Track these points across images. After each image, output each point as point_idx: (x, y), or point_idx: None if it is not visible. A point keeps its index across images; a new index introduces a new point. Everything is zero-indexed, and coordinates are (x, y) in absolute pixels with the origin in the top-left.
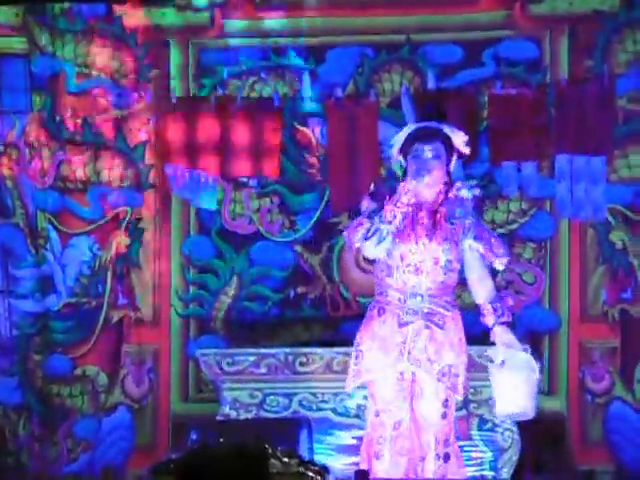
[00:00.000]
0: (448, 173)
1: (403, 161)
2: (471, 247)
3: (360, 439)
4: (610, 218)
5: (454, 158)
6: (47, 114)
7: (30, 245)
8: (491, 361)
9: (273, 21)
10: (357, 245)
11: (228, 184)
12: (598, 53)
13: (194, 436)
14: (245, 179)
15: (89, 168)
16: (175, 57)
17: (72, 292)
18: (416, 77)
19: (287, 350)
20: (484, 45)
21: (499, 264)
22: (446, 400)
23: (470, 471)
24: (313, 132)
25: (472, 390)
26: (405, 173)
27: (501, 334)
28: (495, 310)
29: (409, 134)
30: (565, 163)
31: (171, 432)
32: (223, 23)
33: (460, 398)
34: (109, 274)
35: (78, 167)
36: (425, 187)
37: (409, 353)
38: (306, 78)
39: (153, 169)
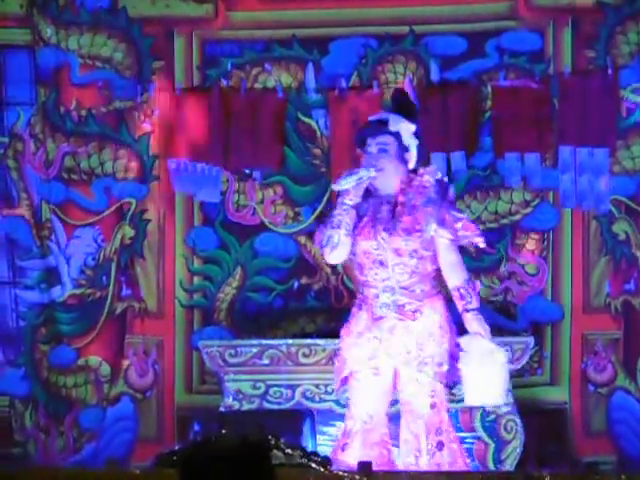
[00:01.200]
0: (405, 163)
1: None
2: (437, 233)
3: None
4: (613, 209)
5: (413, 147)
6: (51, 106)
7: (35, 236)
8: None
9: (276, 12)
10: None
11: (232, 175)
12: (601, 44)
13: (197, 427)
14: (249, 170)
15: (93, 159)
16: (179, 48)
17: (77, 283)
18: (419, 68)
19: (290, 341)
20: (487, 36)
21: (479, 243)
22: (433, 390)
23: (473, 463)
24: (317, 123)
25: None
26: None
27: (469, 321)
28: (462, 296)
29: (359, 130)
30: (568, 154)
31: (175, 423)
32: (227, 14)
33: (442, 388)
34: (113, 265)
35: (83, 158)
36: (378, 181)
37: (384, 347)
38: (310, 69)
39: (157, 161)
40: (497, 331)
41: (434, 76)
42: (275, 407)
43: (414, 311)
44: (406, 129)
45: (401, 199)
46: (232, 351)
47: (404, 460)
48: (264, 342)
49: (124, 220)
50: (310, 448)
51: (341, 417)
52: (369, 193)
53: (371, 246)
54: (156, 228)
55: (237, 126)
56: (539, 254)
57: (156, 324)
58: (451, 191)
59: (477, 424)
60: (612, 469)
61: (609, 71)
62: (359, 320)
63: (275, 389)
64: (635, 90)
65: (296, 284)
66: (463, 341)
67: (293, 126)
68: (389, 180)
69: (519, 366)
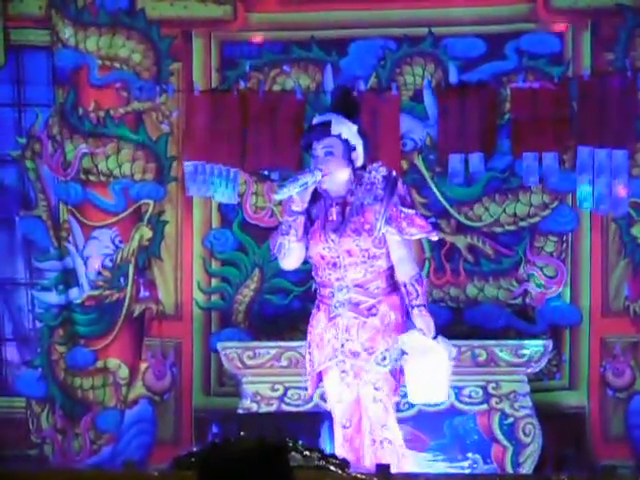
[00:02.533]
0: (353, 162)
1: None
2: (388, 231)
3: None
4: (632, 212)
5: (359, 146)
6: (70, 107)
7: (53, 237)
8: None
9: (295, 14)
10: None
11: (250, 177)
12: (620, 47)
13: (215, 430)
14: (266, 172)
15: (111, 161)
16: (197, 50)
17: (94, 285)
18: (438, 70)
19: None
20: (506, 38)
21: (431, 237)
22: (378, 385)
23: (491, 466)
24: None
25: (494, 384)
26: None
27: (414, 317)
28: (409, 292)
29: (305, 134)
30: (587, 156)
31: (193, 426)
32: (246, 16)
33: (398, 383)
34: (131, 267)
35: (100, 160)
36: (326, 184)
37: (342, 346)
38: (328, 71)
39: (175, 162)
40: (516, 334)
41: (452, 78)
42: (293, 409)
43: (369, 309)
44: (348, 130)
45: (350, 199)
46: (250, 353)
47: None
48: (282, 344)
49: (142, 221)
50: (328, 450)
51: None
52: (319, 195)
53: (323, 248)
54: (174, 230)
55: (255, 128)
56: (558, 256)
57: (174, 326)
58: (400, 185)
59: (495, 427)
60: (630, 473)
61: (628, 73)
62: (318, 321)
63: (293, 391)
64: None
65: (314, 286)
66: (403, 338)
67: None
68: (337, 182)
69: (537, 369)
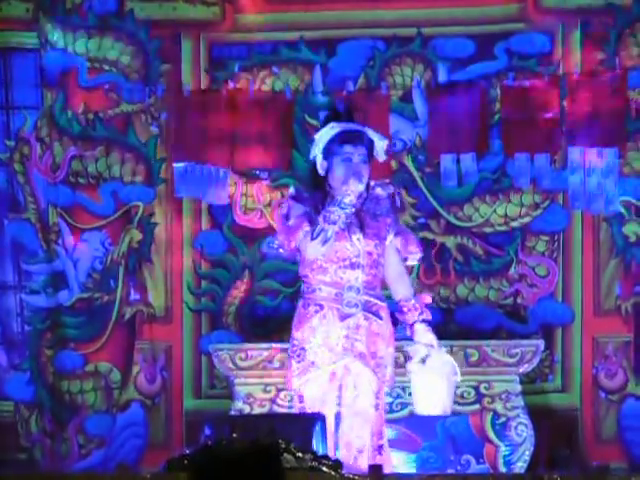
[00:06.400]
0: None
1: (321, 160)
2: (392, 243)
3: None
4: (623, 211)
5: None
6: (58, 109)
7: (41, 240)
8: (409, 358)
9: (284, 14)
10: (292, 245)
11: (239, 178)
12: (610, 46)
13: (208, 431)
14: (256, 173)
15: (101, 163)
16: (186, 51)
17: (84, 287)
18: (427, 70)
19: None
20: (496, 38)
21: (412, 260)
22: (378, 391)
23: (484, 466)
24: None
25: (486, 384)
26: (326, 173)
27: (423, 333)
28: (416, 309)
29: (336, 135)
30: (578, 155)
31: (184, 429)
32: (234, 17)
33: (388, 390)
34: (121, 269)
35: (90, 162)
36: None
37: (352, 345)
38: (317, 72)
39: (165, 164)
40: (507, 334)
41: (442, 78)
42: (286, 411)
43: (377, 311)
44: (379, 144)
45: (364, 207)
46: (242, 354)
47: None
48: (275, 346)
49: (131, 224)
50: (321, 452)
51: None
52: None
53: (345, 247)
54: (163, 232)
55: (244, 128)
56: (549, 256)
57: (164, 329)
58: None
59: (488, 427)
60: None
61: (618, 72)
62: (324, 319)
63: (286, 392)
64: None
65: (304, 287)
66: (413, 350)
67: (300, 128)
68: (362, 189)
69: (530, 369)
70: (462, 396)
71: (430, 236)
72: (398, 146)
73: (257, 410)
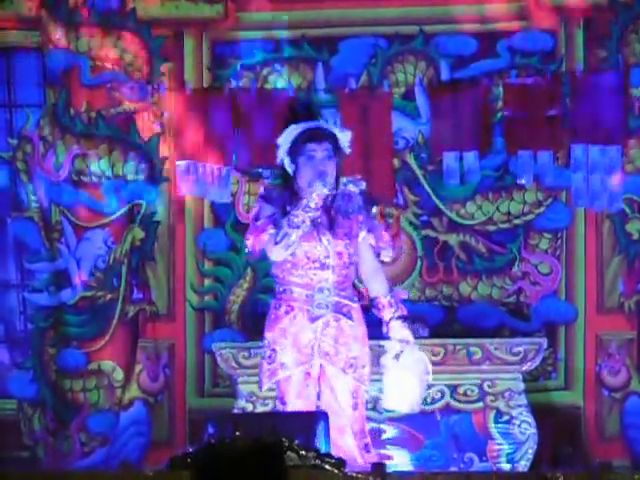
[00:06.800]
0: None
1: (289, 163)
2: (365, 239)
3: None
4: (626, 208)
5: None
6: (61, 108)
7: (44, 239)
8: (385, 353)
9: (286, 13)
10: (258, 248)
11: (242, 176)
12: (613, 43)
13: (211, 429)
14: (259, 171)
15: (103, 161)
16: (189, 49)
17: (87, 286)
18: (429, 68)
19: None
20: (498, 36)
21: (385, 256)
22: (355, 391)
23: (487, 464)
24: (327, 123)
25: (489, 382)
26: (294, 174)
27: (398, 329)
28: (390, 305)
29: (298, 135)
30: (581, 153)
31: (187, 427)
32: (237, 15)
33: (367, 389)
34: (124, 268)
35: (92, 160)
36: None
37: (319, 347)
38: (320, 69)
39: (167, 162)
40: (510, 332)
41: (444, 76)
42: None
43: (348, 312)
44: (344, 137)
45: (334, 205)
46: (246, 353)
47: None
48: None
49: (134, 222)
50: (324, 449)
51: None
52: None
53: (314, 247)
54: (166, 230)
55: (247, 126)
56: (552, 254)
57: (167, 327)
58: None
59: (491, 425)
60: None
61: (621, 69)
62: (294, 320)
63: None
64: None
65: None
66: (389, 345)
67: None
68: (329, 185)
69: (533, 367)
70: (465, 394)
71: (433, 234)
72: (400, 144)
73: (260, 408)
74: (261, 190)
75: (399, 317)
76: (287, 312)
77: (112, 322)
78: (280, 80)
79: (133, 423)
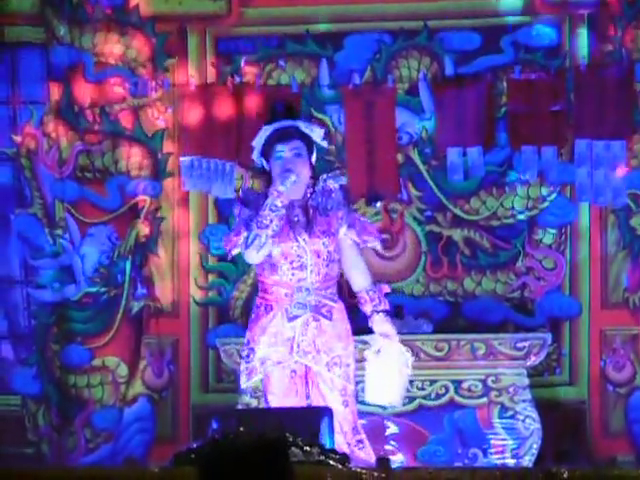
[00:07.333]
0: (312, 168)
1: (266, 164)
2: (346, 235)
3: None
4: (631, 203)
5: (314, 152)
6: (65, 104)
7: (48, 235)
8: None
9: (290, 8)
10: (235, 252)
11: (246, 172)
12: (617, 38)
13: (215, 425)
14: (262, 166)
15: (107, 157)
16: (192, 45)
17: (91, 282)
18: (434, 63)
19: None
20: (502, 31)
21: (373, 246)
22: (344, 389)
23: (492, 459)
24: (330, 119)
25: (493, 378)
26: (270, 176)
27: (379, 323)
28: (372, 298)
29: (267, 136)
30: (585, 148)
31: (192, 423)
32: (240, 11)
33: (352, 387)
34: (128, 264)
35: (96, 156)
36: (292, 186)
37: (298, 346)
38: (323, 65)
39: (171, 158)
40: (514, 328)
41: (448, 71)
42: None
43: (327, 312)
44: (317, 133)
45: (312, 202)
46: None
47: None
48: None
49: (138, 218)
50: (328, 445)
51: (360, 414)
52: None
53: (291, 247)
54: (170, 226)
55: (251, 122)
56: (556, 249)
57: (171, 323)
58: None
59: (495, 420)
60: (630, 468)
61: (625, 64)
62: (273, 320)
63: None
64: None
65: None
66: (371, 339)
67: (307, 122)
68: (300, 185)
69: (537, 362)
70: (469, 389)
71: (437, 229)
72: (404, 139)
73: (264, 404)
74: (240, 193)
75: (380, 311)
76: (267, 311)
77: (116, 318)
78: (284, 76)
79: (137, 419)
